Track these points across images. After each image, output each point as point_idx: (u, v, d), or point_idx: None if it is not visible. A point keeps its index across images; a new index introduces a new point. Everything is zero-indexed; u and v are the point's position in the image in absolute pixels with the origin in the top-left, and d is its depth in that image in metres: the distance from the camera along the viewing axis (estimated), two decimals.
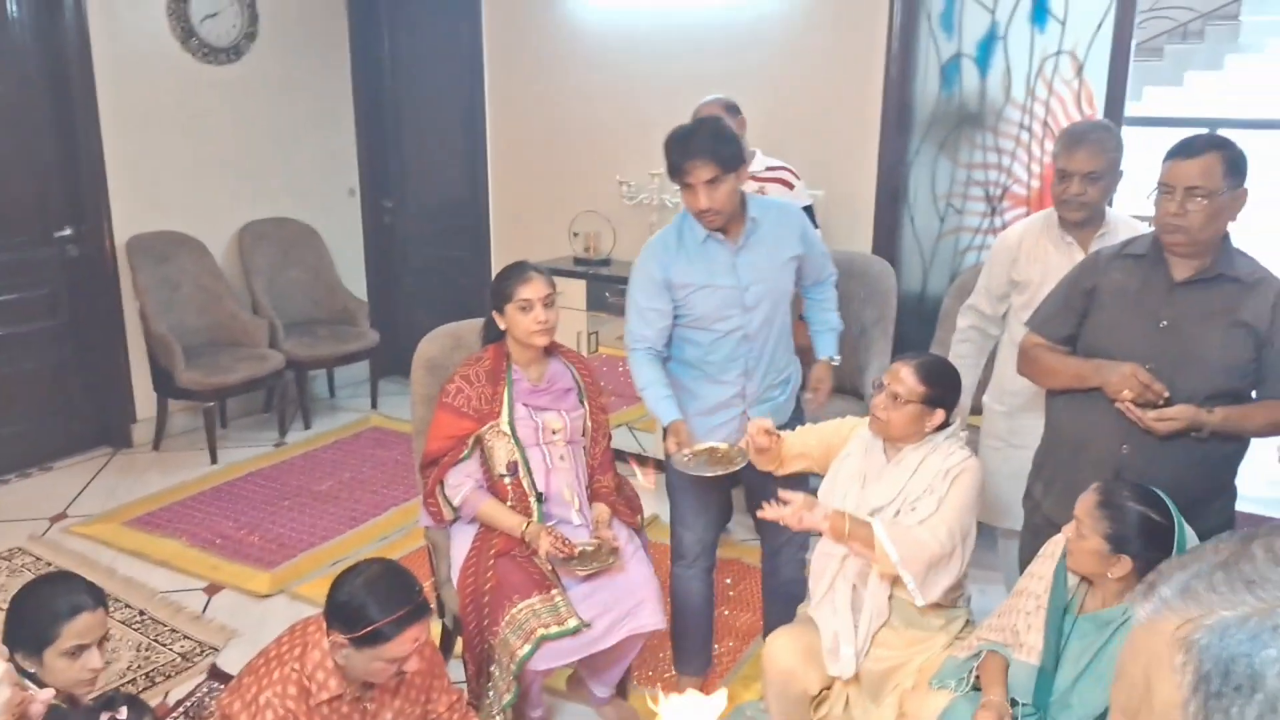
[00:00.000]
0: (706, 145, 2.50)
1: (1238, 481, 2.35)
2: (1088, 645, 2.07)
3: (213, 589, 3.64)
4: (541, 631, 2.45)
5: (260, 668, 2.06)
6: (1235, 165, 2.14)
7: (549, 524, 2.66)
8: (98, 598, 1.98)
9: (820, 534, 2.39)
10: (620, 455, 3.47)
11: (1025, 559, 2.46)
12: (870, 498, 2.39)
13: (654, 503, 3.84)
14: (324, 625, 2.05)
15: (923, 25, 4.00)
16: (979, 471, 2.38)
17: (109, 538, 3.99)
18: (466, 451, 2.67)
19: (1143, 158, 2.74)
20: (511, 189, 5.26)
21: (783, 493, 2.34)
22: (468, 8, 5.11)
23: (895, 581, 2.33)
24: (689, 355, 2.72)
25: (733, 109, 3.49)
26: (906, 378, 2.32)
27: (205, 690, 3.04)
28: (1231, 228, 2.23)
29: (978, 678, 2.19)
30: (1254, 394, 2.23)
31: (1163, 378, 2.18)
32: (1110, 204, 2.79)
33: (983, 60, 4.07)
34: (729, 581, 3.59)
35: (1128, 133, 3.96)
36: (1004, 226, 4.25)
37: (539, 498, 2.67)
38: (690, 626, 2.98)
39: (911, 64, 4.01)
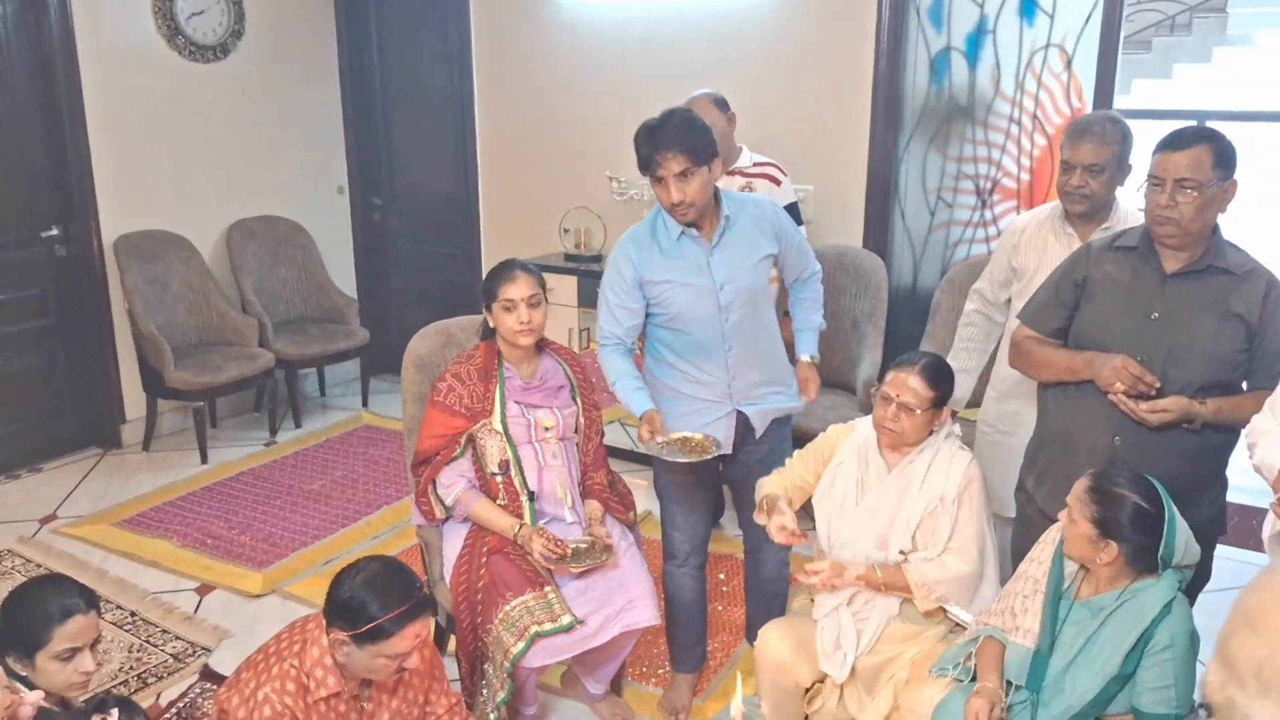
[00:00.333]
0: (677, 136, 2.43)
1: (1229, 473, 2.36)
2: (1081, 630, 2.08)
3: (204, 589, 3.63)
4: (535, 628, 2.45)
5: (259, 663, 2.06)
6: (1224, 157, 2.14)
7: (541, 522, 2.66)
8: (89, 600, 1.97)
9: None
10: (612, 451, 3.46)
11: (1018, 550, 2.47)
12: (872, 508, 2.38)
13: (647, 499, 3.84)
14: (324, 623, 2.05)
15: (911, 19, 4.00)
16: (979, 472, 2.38)
17: (99, 539, 3.97)
18: (459, 450, 2.66)
19: (1133, 152, 2.73)
20: (502, 185, 5.25)
21: (809, 565, 2.33)
22: (456, 4, 5.09)
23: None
24: (669, 357, 2.69)
25: (722, 104, 3.49)
26: (916, 387, 2.30)
27: (197, 691, 3.03)
28: (1222, 219, 2.24)
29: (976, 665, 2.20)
30: (1245, 385, 2.24)
31: (1154, 369, 2.19)
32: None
33: (972, 54, 4.07)
34: (722, 577, 3.59)
35: None
36: (994, 220, 4.26)
37: (530, 496, 2.66)
38: (683, 623, 2.97)
39: (901, 58, 4.00)
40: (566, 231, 4.83)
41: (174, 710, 2.95)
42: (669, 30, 4.50)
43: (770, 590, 2.93)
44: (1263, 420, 2.01)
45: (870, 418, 2.45)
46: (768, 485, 2.56)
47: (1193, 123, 2.60)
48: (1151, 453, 2.20)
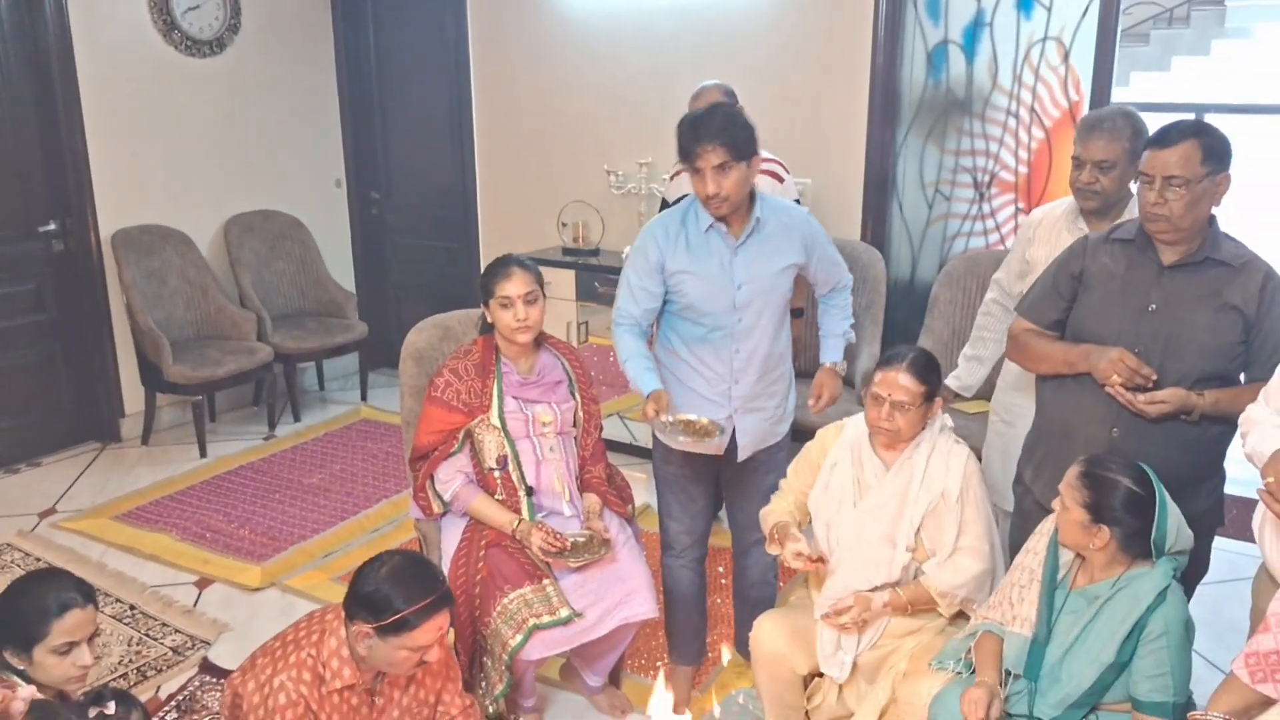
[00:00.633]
0: (719, 130, 2.43)
1: (1227, 464, 2.36)
2: (1077, 619, 2.09)
3: (203, 583, 3.64)
4: (533, 621, 2.45)
5: (276, 650, 2.08)
6: (1214, 151, 2.14)
7: (539, 516, 2.66)
8: (87, 594, 1.97)
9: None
10: (611, 445, 3.47)
11: (1015, 543, 2.47)
12: (873, 507, 2.37)
13: (645, 492, 3.84)
14: (342, 615, 2.06)
15: (909, 12, 3.99)
16: (978, 465, 2.39)
17: (99, 532, 3.97)
18: (457, 445, 2.66)
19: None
20: (499, 179, 5.25)
21: (836, 604, 2.33)
22: None
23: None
24: (677, 346, 2.69)
25: (731, 96, 3.48)
26: (907, 384, 2.30)
27: (197, 684, 3.04)
28: (1220, 212, 2.24)
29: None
30: (1242, 377, 2.25)
31: (1152, 361, 2.19)
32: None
33: (969, 47, 4.07)
34: (720, 570, 3.59)
35: None
36: (992, 213, 4.26)
37: (528, 491, 2.67)
38: (681, 615, 2.97)
39: (898, 51, 4.00)
40: (564, 225, 4.83)
41: (173, 703, 2.96)
42: (666, 24, 4.50)
43: (755, 596, 2.92)
44: (1257, 410, 2.02)
45: (859, 416, 2.45)
46: (773, 514, 2.54)
47: (1189, 116, 2.59)
48: (1149, 444, 2.21)
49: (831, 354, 2.77)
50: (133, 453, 4.80)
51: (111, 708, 1.76)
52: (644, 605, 2.59)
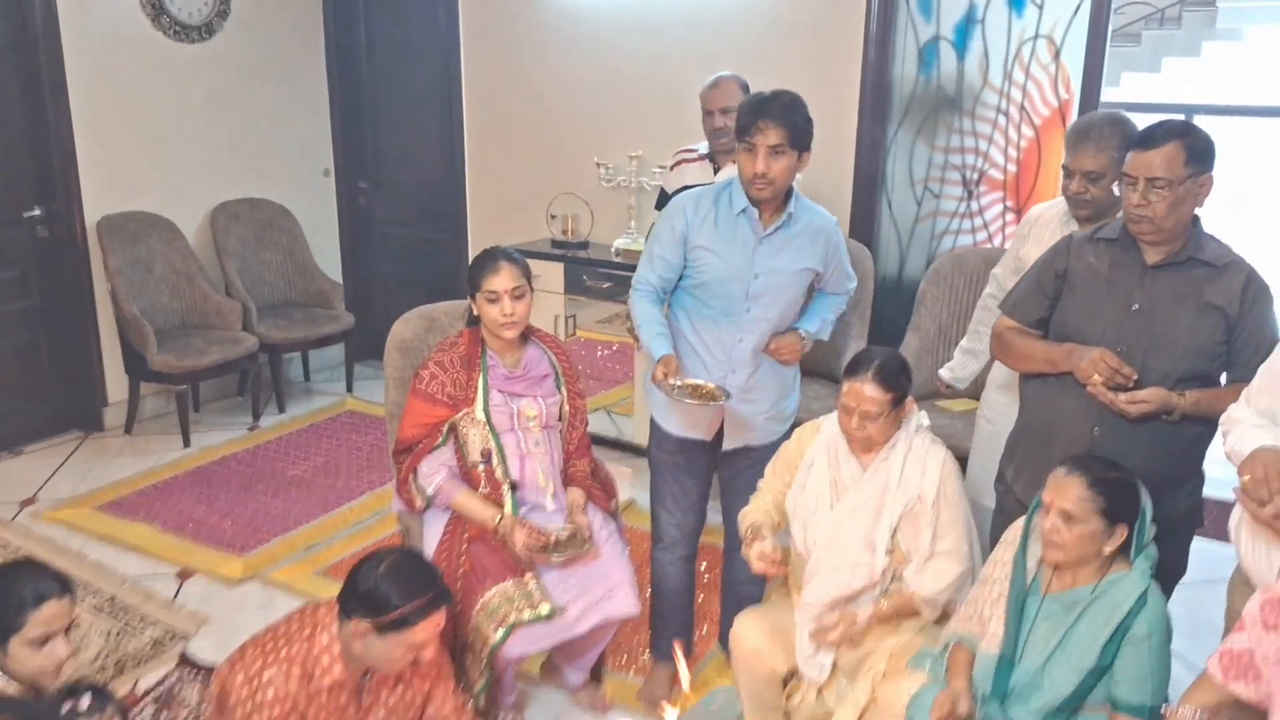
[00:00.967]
0: (782, 113, 2.45)
1: (1207, 466, 2.37)
2: (1055, 626, 2.08)
3: (185, 574, 3.62)
4: (514, 617, 2.44)
5: (267, 643, 2.07)
6: (1197, 152, 2.14)
7: (523, 510, 2.65)
8: (64, 585, 1.95)
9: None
10: (597, 439, 3.46)
11: (997, 541, 2.47)
12: (850, 509, 2.37)
13: (630, 487, 3.84)
14: (334, 611, 2.05)
15: (901, 8, 3.98)
16: (955, 466, 2.38)
17: (80, 522, 3.95)
18: (441, 439, 2.65)
19: None
20: (489, 170, 5.22)
21: (824, 619, 2.31)
22: None
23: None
24: (683, 324, 2.68)
25: (745, 88, 3.46)
26: (873, 394, 2.28)
27: (175, 678, 3.02)
28: (1206, 212, 2.24)
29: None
30: (1224, 377, 2.25)
31: (1134, 360, 2.19)
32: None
33: (960, 44, 4.06)
34: (704, 566, 3.59)
35: None
36: (980, 211, 4.26)
37: (512, 486, 2.65)
38: (667, 612, 2.97)
39: (889, 47, 3.99)
40: (554, 218, 4.81)
41: (151, 697, 2.93)
42: (657, 17, 4.48)
43: (743, 593, 2.90)
44: (1238, 409, 2.03)
45: (835, 415, 2.44)
46: (750, 514, 2.54)
47: (1179, 117, 2.58)
48: (1130, 444, 2.21)
49: (806, 323, 2.72)
50: (115, 442, 4.77)
51: (86, 701, 1.74)
52: (626, 602, 2.58)
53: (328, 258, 5.71)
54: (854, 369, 2.33)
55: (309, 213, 5.58)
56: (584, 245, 4.70)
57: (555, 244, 4.73)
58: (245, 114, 5.26)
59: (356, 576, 2.03)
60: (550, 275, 4.50)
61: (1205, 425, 2.23)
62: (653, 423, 2.85)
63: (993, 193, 4.22)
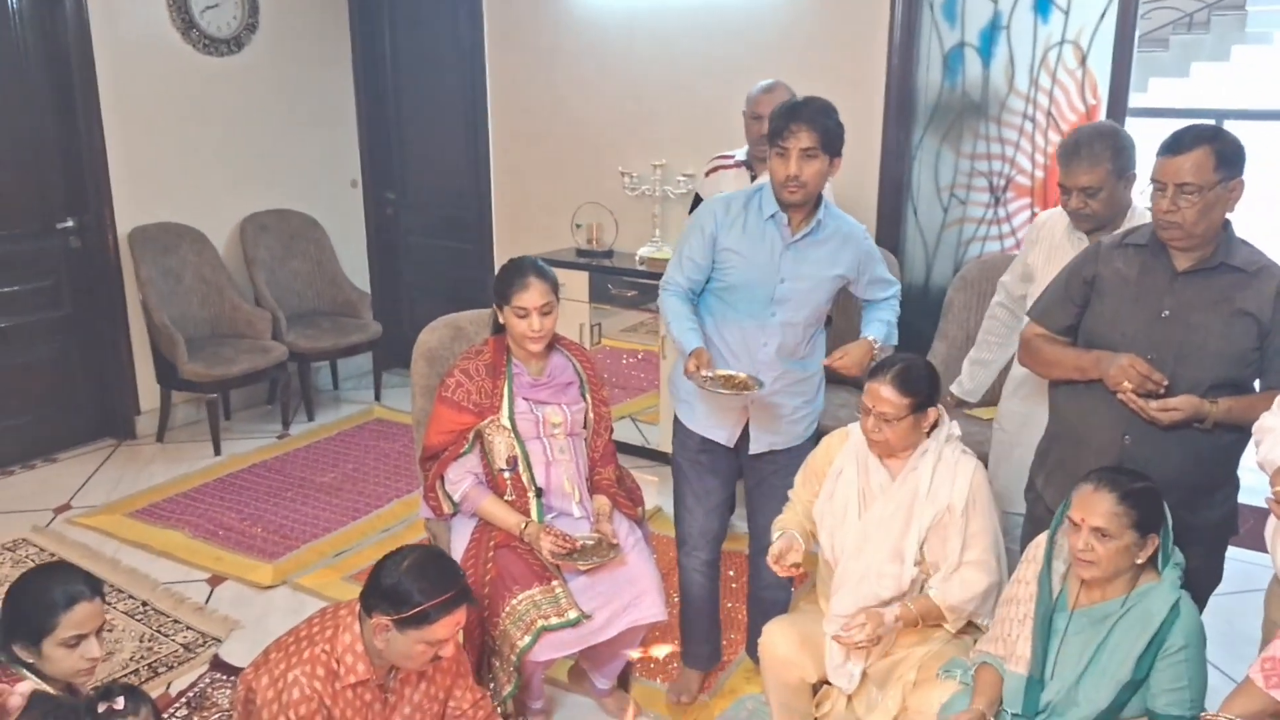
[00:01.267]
0: (814, 116, 2.49)
1: (1241, 473, 2.34)
2: (1087, 641, 2.06)
3: (215, 580, 3.65)
4: (541, 623, 2.45)
5: (290, 645, 2.09)
6: (1227, 157, 2.11)
7: (549, 517, 2.66)
8: (94, 587, 1.98)
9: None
10: (622, 447, 3.47)
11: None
12: (879, 519, 2.35)
13: (655, 494, 3.84)
14: (356, 610, 2.08)
15: (925, 14, 3.97)
16: (985, 477, 2.36)
17: (112, 529, 3.99)
18: (467, 446, 2.67)
19: (1148, 150, 2.68)
20: (514, 180, 5.25)
21: (848, 623, 2.30)
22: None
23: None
24: (709, 328, 2.68)
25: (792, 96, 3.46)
26: (889, 396, 2.27)
27: (207, 681, 3.05)
28: (1237, 217, 2.22)
29: None
30: (1257, 384, 2.22)
31: (1165, 367, 2.17)
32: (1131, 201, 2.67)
33: (985, 50, 4.05)
34: (731, 574, 3.58)
35: (1133, 124, 3.95)
36: (1008, 218, 4.24)
37: (538, 493, 2.66)
38: (693, 619, 2.98)
39: (914, 53, 3.98)
40: (579, 227, 4.83)
41: (183, 700, 2.97)
42: (681, 26, 4.49)
43: (770, 599, 2.90)
44: (1271, 418, 1.99)
45: None
46: (783, 522, 2.54)
47: (1209, 121, 2.55)
48: (1162, 452, 2.19)
49: (872, 330, 2.70)
50: (147, 450, 4.83)
51: (120, 703, 1.77)
52: (653, 608, 2.58)
53: (355, 267, 5.76)
54: (876, 370, 2.33)
55: (336, 223, 5.63)
56: (609, 254, 4.71)
57: (580, 253, 4.75)
58: (273, 126, 5.32)
59: (380, 572, 2.05)
60: (575, 284, 4.52)
61: (1238, 433, 2.20)
62: (676, 422, 2.86)
63: (1020, 199, 4.20)
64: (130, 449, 4.84)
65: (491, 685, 2.54)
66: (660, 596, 2.60)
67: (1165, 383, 2.14)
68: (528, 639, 2.44)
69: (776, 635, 2.44)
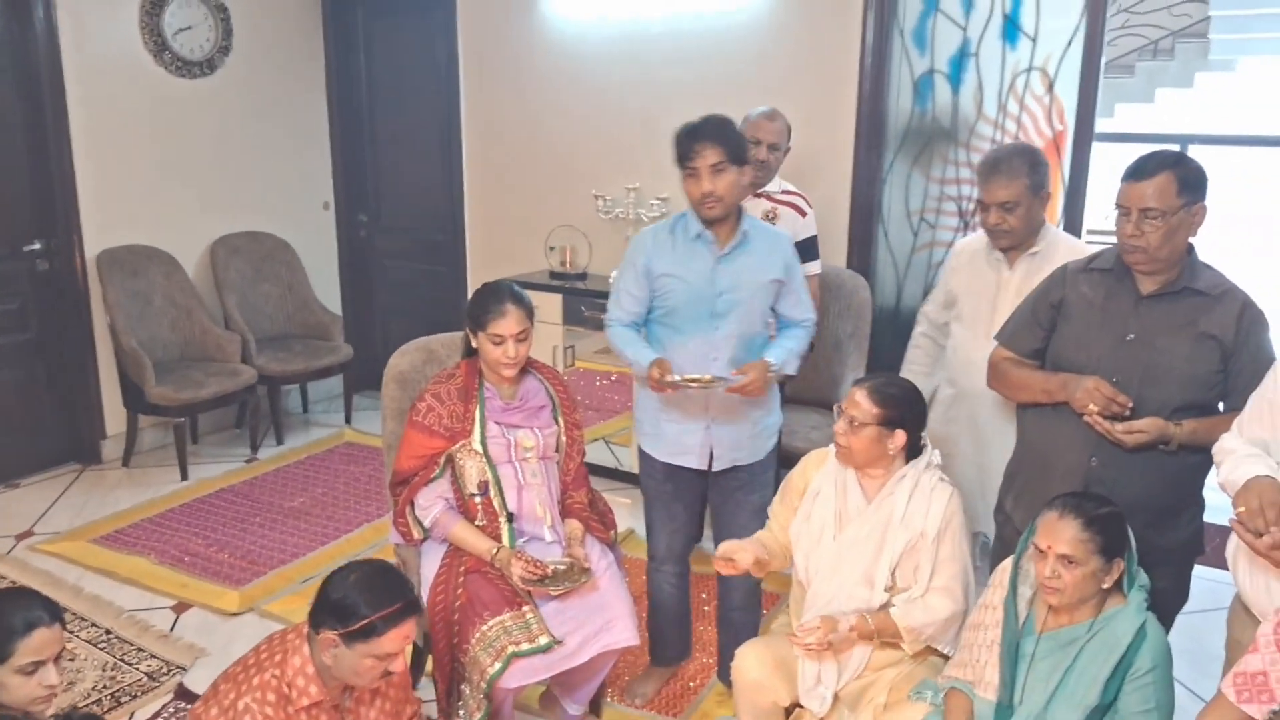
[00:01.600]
0: (715, 133, 2.59)
1: (1206, 493, 2.36)
2: (1055, 665, 2.06)
3: (181, 607, 3.59)
4: (512, 649, 2.42)
5: (238, 675, 2.05)
6: (1190, 182, 2.15)
7: (520, 542, 2.64)
8: (54, 613, 1.94)
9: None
10: (595, 470, 3.45)
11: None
12: (852, 541, 2.35)
13: (628, 517, 3.83)
14: (304, 631, 2.04)
15: (895, 41, 4.02)
16: (960, 506, 2.36)
17: (76, 555, 3.93)
18: (438, 471, 2.64)
19: (1115, 174, 2.74)
20: (487, 203, 5.25)
21: (801, 625, 2.32)
22: (443, 22, 5.11)
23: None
24: (658, 353, 2.72)
25: (790, 133, 3.51)
26: (861, 401, 2.31)
27: (172, 711, 3.00)
28: (1200, 241, 2.25)
29: None
30: (1221, 406, 2.25)
31: (1130, 390, 2.19)
32: (1045, 220, 2.76)
33: (955, 76, 4.10)
34: (704, 596, 3.57)
35: (1100, 149, 4.01)
36: None
37: (509, 517, 2.65)
38: (659, 623, 3.07)
39: (885, 80, 4.03)
40: (552, 249, 4.83)
41: None
42: (655, 51, 4.52)
43: (739, 620, 2.95)
44: (1229, 439, 2.02)
45: None
46: (757, 536, 2.57)
47: (1174, 147, 2.61)
48: (1128, 474, 2.21)
49: (773, 354, 2.71)
50: (113, 474, 4.76)
51: None
52: (625, 633, 2.56)
53: (327, 290, 5.73)
54: (859, 379, 2.40)
55: (309, 246, 5.60)
56: (582, 276, 4.72)
57: (554, 275, 4.75)
58: (246, 148, 5.30)
59: (327, 587, 2.03)
60: (549, 306, 4.51)
61: (1203, 454, 2.22)
62: (641, 453, 2.92)
63: None
64: (95, 474, 4.77)
65: (461, 712, 2.51)
66: (633, 621, 2.59)
67: (1130, 405, 2.17)
68: (498, 665, 2.41)
69: (750, 658, 2.44)
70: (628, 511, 4.03)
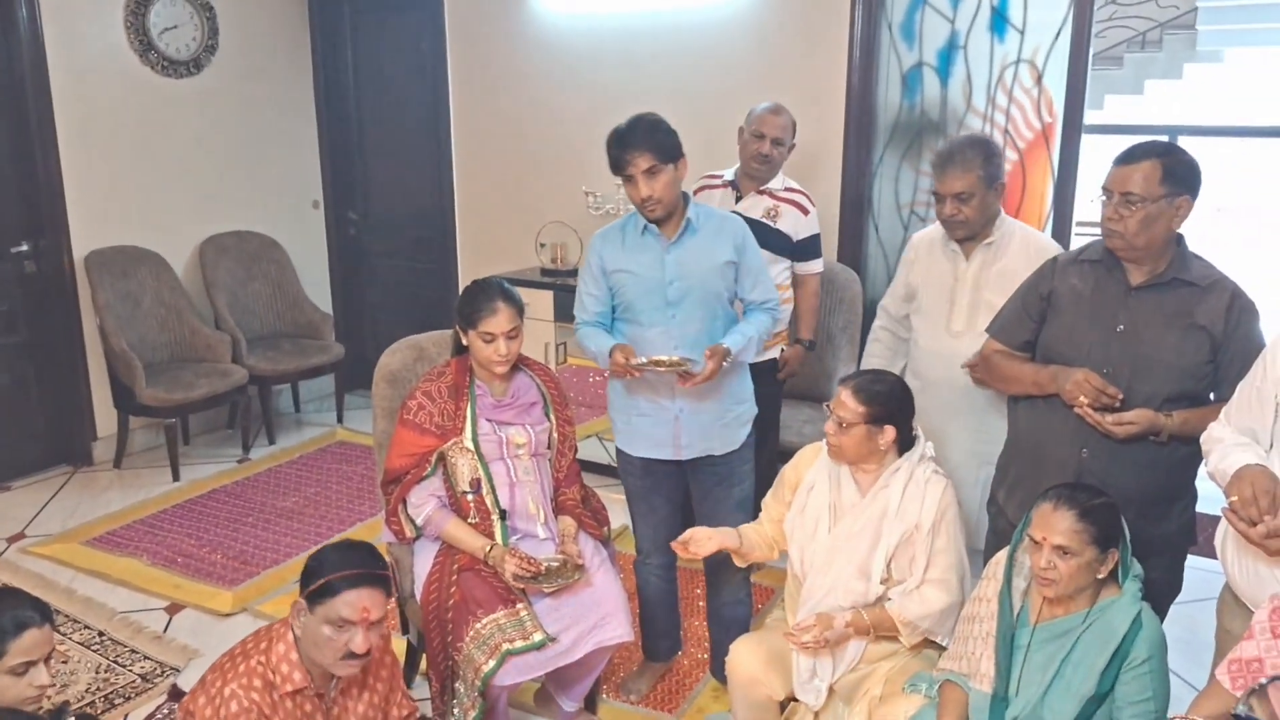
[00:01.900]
0: (644, 137, 2.59)
1: (1198, 483, 2.37)
2: (1051, 656, 2.07)
3: (174, 608, 3.58)
4: (506, 646, 2.42)
5: (225, 665, 2.06)
6: (1175, 174, 2.15)
7: (514, 539, 2.64)
8: (44, 613, 1.95)
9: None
10: (588, 466, 3.45)
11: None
12: (847, 534, 2.36)
13: (622, 514, 3.81)
14: (290, 623, 2.06)
15: (884, 35, 4.02)
16: (955, 498, 2.37)
17: (68, 557, 3.91)
18: (430, 469, 2.64)
19: (1105, 166, 2.74)
20: (477, 200, 5.24)
21: (797, 624, 2.32)
22: (430, 19, 5.10)
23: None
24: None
25: (794, 129, 3.49)
26: (847, 400, 2.31)
27: (166, 712, 2.99)
28: (1189, 231, 2.25)
29: None
30: (1211, 396, 2.25)
31: (1120, 381, 2.19)
32: (1001, 211, 2.78)
33: (943, 69, 4.09)
34: (699, 591, 3.57)
35: (1089, 140, 4.01)
36: None
37: (502, 515, 2.64)
38: (648, 616, 3.07)
39: (873, 73, 4.03)
40: (543, 246, 4.83)
41: None
42: (643, 46, 4.51)
43: (729, 615, 2.96)
44: (1218, 428, 2.03)
45: None
46: (743, 529, 2.59)
47: (1162, 137, 2.62)
48: (1119, 464, 2.21)
49: (729, 339, 2.67)
50: (104, 476, 4.74)
51: None
52: (619, 629, 2.56)
53: (317, 289, 5.71)
54: (845, 378, 2.41)
55: (298, 245, 5.58)
56: (573, 273, 4.70)
57: (545, 272, 4.74)
58: (234, 147, 5.27)
59: (309, 560, 2.08)
60: (540, 303, 4.51)
61: (1194, 445, 2.22)
62: (618, 449, 2.93)
63: None
64: (86, 475, 4.75)
65: (456, 710, 2.51)
66: (626, 617, 2.59)
67: (1120, 397, 2.17)
68: (492, 663, 2.41)
69: (744, 653, 2.44)
70: (621, 508, 4.02)
